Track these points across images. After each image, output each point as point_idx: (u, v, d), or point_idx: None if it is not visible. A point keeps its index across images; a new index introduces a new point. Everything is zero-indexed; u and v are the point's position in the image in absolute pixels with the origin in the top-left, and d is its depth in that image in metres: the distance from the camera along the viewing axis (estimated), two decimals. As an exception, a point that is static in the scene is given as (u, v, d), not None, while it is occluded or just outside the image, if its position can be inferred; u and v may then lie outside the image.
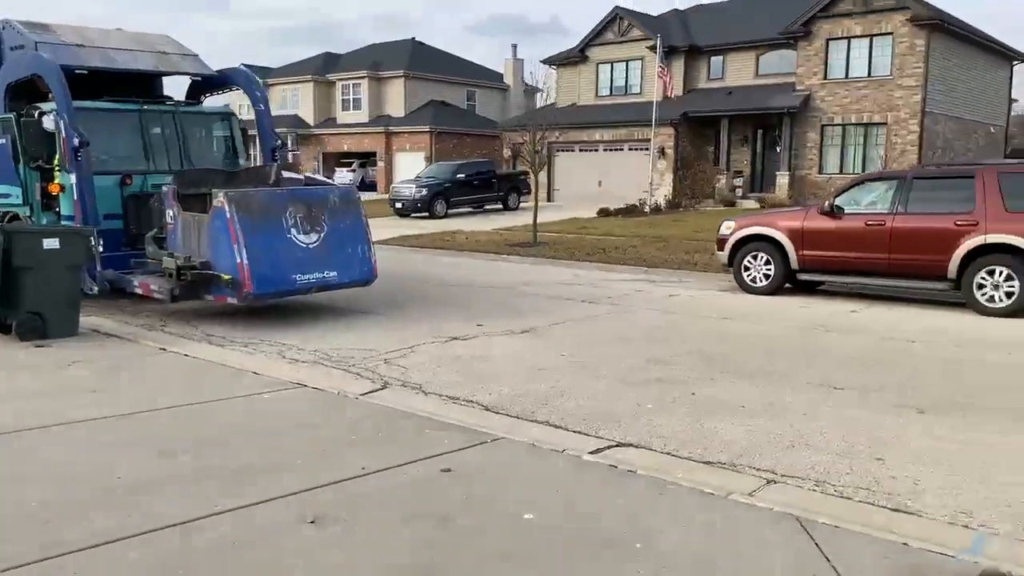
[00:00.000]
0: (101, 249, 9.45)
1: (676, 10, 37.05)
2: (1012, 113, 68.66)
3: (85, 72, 10.40)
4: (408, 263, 15.51)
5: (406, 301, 10.79)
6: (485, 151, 40.68)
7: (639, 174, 30.41)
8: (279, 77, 49.20)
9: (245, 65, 44.18)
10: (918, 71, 27.01)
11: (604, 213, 26.98)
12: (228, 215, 8.43)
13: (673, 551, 3.63)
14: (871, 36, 27.82)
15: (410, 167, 40.42)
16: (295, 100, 48.56)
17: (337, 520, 3.90)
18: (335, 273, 9.16)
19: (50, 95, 9.93)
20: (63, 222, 9.57)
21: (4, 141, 10.66)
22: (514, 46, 62.80)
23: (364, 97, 45.81)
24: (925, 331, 9.12)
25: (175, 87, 12.35)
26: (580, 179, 33.89)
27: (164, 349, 7.81)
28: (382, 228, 19.29)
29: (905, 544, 3.69)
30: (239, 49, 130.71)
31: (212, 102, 12.25)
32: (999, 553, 3.64)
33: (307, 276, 8.90)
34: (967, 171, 10.72)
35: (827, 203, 11.42)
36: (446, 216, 28.06)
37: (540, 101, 42.84)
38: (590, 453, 4.93)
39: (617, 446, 5.10)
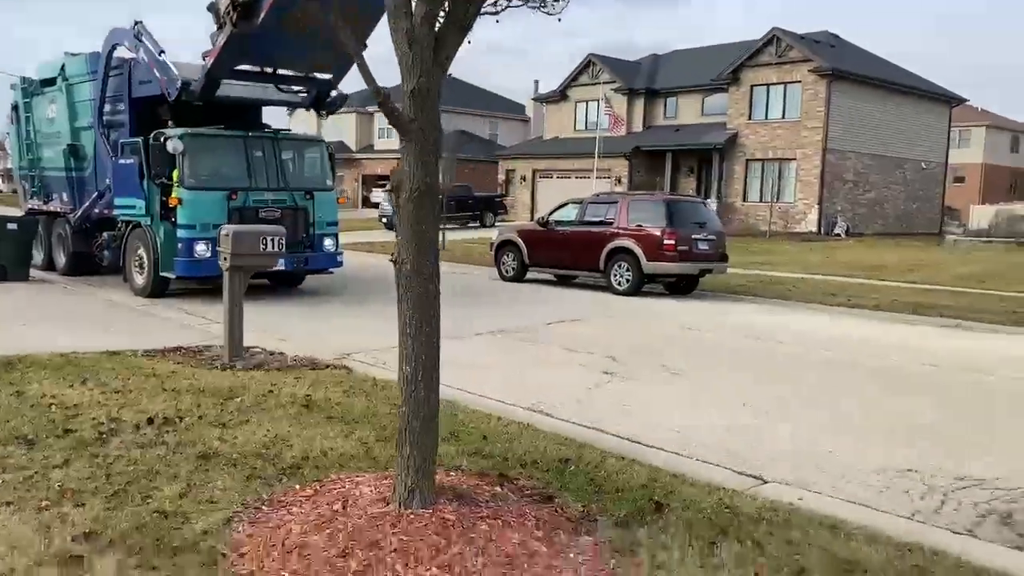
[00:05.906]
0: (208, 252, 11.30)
1: (654, 55, 41.82)
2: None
3: (200, 103, 11.89)
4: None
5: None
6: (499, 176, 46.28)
7: (602, 199, 35.43)
8: (330, 108, 56.31)
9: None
10: (820, 114, 31.12)
11: (549, 230, 32.12)
12: None
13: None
14: (784, 84, 32.10)
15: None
16: (342, 128, 55.50)
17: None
18: None
19: (169, 123, 11.96)
20: (179, 231, 11.57)
21: (132, 161, 12.41)
22: (536, 81, 68.25)
23: (396, 127, 52.19)
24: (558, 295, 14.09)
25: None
26: (557, 202, 38.95)
27: (65, 288, 13.66)
28: (362, 235, 25.27)
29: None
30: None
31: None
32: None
33: None
34: (615, 198, 15.59)
35: (541, 217, 16.43)
36: (422, 230, 33.63)
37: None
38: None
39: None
